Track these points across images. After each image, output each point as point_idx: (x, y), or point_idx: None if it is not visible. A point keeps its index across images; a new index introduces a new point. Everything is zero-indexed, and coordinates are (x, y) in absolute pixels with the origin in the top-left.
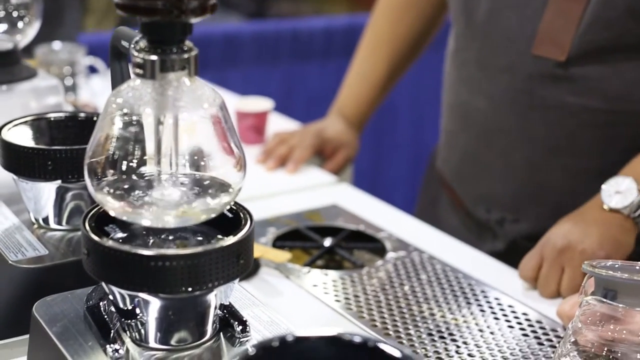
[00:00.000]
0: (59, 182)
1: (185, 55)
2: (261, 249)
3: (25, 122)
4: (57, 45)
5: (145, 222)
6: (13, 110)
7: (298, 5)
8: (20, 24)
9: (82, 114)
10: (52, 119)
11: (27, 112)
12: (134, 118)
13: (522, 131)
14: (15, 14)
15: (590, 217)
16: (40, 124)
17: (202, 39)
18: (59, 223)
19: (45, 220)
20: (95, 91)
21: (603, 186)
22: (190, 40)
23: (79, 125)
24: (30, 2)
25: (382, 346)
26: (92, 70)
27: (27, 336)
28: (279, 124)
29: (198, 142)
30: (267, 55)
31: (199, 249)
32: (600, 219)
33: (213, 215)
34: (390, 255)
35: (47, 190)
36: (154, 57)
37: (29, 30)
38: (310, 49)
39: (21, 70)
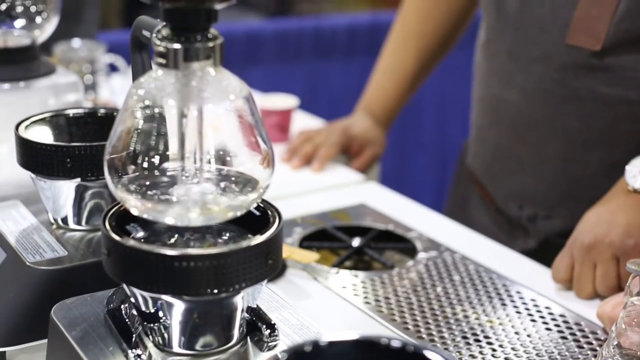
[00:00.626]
0: (78, 180)
1: (211, 44)
2: (288, 250)
3: (43, 119)
4: (76, 42)
5: (169, 221)
6: (31, 107)
7: (319, 4)
8: (38, 20)
9: (101, 110)
10: (70, 115)
11: (46, 109)
12: (156, 110)
13: (555, 124)
14: (33, 9)
15: (615, 205)
16: (58, 121)
17: (224, 37)
18: (79, 223)
19: (64, 220)
20: (116, 90)
21: (627, 167)
22: None
23: (99, 122)
24: None
25: (423, 352)
26: (113, 68)
27: (44, 341)
28: (303, 122)
29: (224, 135)
30: (289, 53)
31: (225, 248)
32: (625, 204)
33: (239, 213)
34: (421, 255)
35: (66, 189)
36: (177, 46)
37: (47, 26)
38: (333, 46)
39: (39, 67)
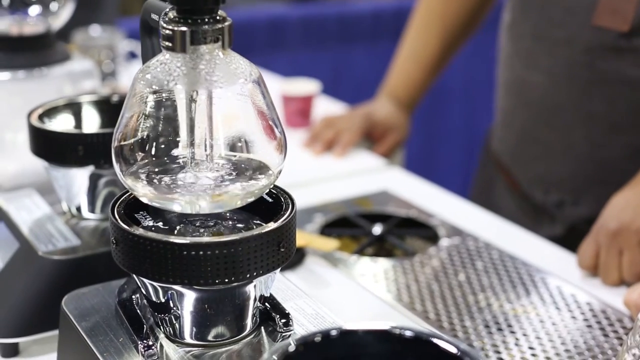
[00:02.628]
0: (91, 168)
1: (219, 26)
2: (307, 237)
3: (56, 107)
4: (95, 30)
5: (178, 208)
6: (47, 94)
7: None
8: (53, 7)
9: (115, 97)
10: (84, 102)
11: (62, 96)
12: (164, 95)
13: (582, 107)
14: None
15: None
16: (71, 108)
17: (247, 23)
18: (92, 211)
19: (78, 209)
20: None
21: None
22: (236, 24)
23: (112, 109)
24: None
25: (436, 341)
26: (132, 55)
27: (57, 332)
28: (326, 107)
29: (233, 120)
30: (313, 39)
31: (237, 236)
32: None
33: (251, 200)
34: (444, 242)
35: (79, 177)
36: (184, 28)
37: (63, 13)
38: (357, 32)
39: (55, 54)
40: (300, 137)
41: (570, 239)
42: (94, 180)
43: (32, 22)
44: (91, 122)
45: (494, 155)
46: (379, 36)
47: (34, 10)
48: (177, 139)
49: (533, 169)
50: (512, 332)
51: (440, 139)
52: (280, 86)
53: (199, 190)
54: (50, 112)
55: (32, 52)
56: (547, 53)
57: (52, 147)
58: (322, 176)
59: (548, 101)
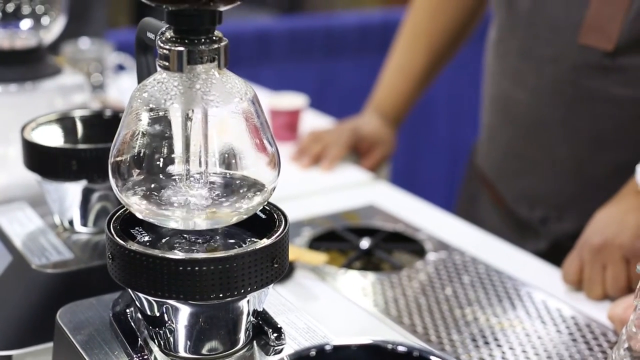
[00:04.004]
0: (84, 182)
1: (215, 46)
2: (296, 252)
3: (48, 121)
4: (84, 42)
5: (173, 225)
6: (38, 108)
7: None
8: (45, 21)
9: (107, 112)
10: (76, 116)
11: (53, 110)
12: (161, 114)
13: (566, 124)
14: (39, 10)
15: (625, 205)
16: (64, 122)
17: (234, 35)
18: (85, 225)
19: (71, 222)
20: (124, 89)
21: (638, 167)
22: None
23: (105, 124)
24: None
25: (429, 357)
26: (120, 67)
27: (51, 344)
28: (313, 121)
29: (229, 138)
30: (300, 51)
31: (231, 252)
32: (635, 205)
33: (245, 217)
34: (431, 256)
35: (72, 191)
36: (180, 48)
37: (54, 27)
38: (344, 45)
39: (46, 68)
40: (288, 151)
41: (554, 255)
42: (86, 194)
43: (23, 36)
44: (84, 137)
45: (479, 170)
46: (365, 49)
47: (26, 24)
48: (173, 157)
49: (518, 184)
50: (499, 346)
51: (425, 151)
52: (268, 100)
53: (194, 208)
54: (43, 126)
55: (24, 66)
56: (533, 70)
57: (45, 162)
58: (310, 190)
59: (533, 118)
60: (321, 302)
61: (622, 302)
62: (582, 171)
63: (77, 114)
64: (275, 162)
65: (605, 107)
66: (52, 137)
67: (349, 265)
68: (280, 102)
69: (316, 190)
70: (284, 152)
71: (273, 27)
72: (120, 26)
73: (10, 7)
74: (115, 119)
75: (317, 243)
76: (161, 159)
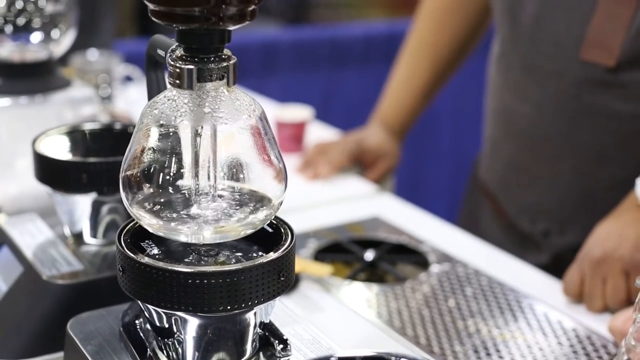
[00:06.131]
0: (94, 195)
1: (224, 64)
2: (301, 264)
3: (59, 133)
4: (92, 53)
5: (182, 238)
6: (48, 120)
7: (337, 10)
8: (55, 34)
9: (117, 125)
10: (86, 130)
11: (62, 122)
12: (171, 130)
13: (569, 138)
14: (50, 23)
15: (625, 219)
16: (74, 135)
17: (240, 46)
18: (94, 237)
19: (80, 234)
20: (131, 100)
21: (637, 181)
22: (228, 48)
23: (114, 137)
24: (65, 12)
25: None
26: (128, 79)
27: (61, 354)
28: (319, 132)
29: (237, 154)
30: (306, 62)
31: (239, 265)
32: (635, 219)
33: (252, 231)
34: (434, 268)
35: (81, 204)
36: (191, 67)
37: (64, 40)
38: (349, 55)
39: (56, 80)
40: (294, 163)
41: (556, 267)
42: (96, 206)
43: (33, 49)
44: (93, 150)
45: (481, 183)
46: (371, 60)
47: (36, 37)
48: (182, 172)
49: (520, 197)
50: (500, 357)
51: (429, 164)
52: (274, 112)
53: (203, 222)
54: (53, 139)
55: (34, 79)
56: (535, 85)
57: (56, 174)
58: (315, 201)
59: (535, 131)
60: (326, 313)
61: (622, 315)
62: (584, 185)
63: (87, 127)
64: (282, 177)
65: (606, 122)
66: (62, 149)
67: (353, 277)
68: (286, 114)
69: (321, 202)
70: (290, 163)
71: (279, 38)
72: (128, 36)
73: (21, 21)
74: (124, 132)
75: (323, 254)
76: (171, 174)
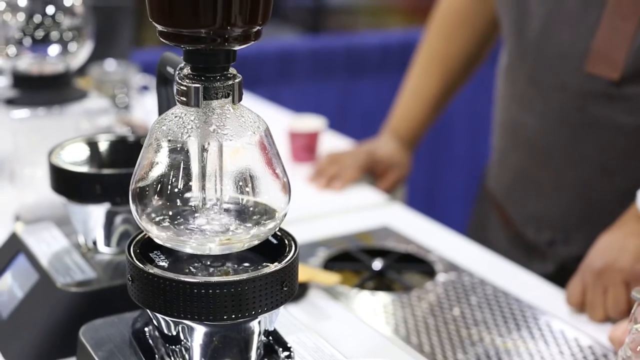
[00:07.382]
0: (107, 205)
1: (229, 82)
2: (309, 272)
3: (75, 145)
4: (110, 64)
5: (189, 250)
6: (65, 131)
7: (354, 17)
8: (72, 47)
9: (131, 137)
10: (101, 141)
11: (79, 133)
12: (178, 146)
13: (573, 150)
14: (67, 36)
15: (626, 230)
16: (89, 147)
17: (256, 55)
18: (108, 245)
19: (94, 242)
20: (148, 109)
21: (638, 193)
22: (245, 56)
23: (128, 148)
24: (82, 25)
25: None
26: (145, 88)
27: (73, 359)
28: (332, 142)
29: (242, 169)
30: (321, 71)
31: (243, 276)
32: (636, 230)
33: (257, 242)
34: (441, 277)
35: (95, 214)
36: (197, 85)
37: (82, 53)
38: (365, 64)
39: (73, 92)
40: (306, 172)
41: (560, 277)
42: (109, 216)
43: (51, 61)
44: (108, 161)
45: (489, 192)
46: (387, 69)
47: (54, 50)
48: (190, 186)
49: (526, 207)
50: None
51: (443, 172)
52: (287, 122)
53: (209, 234)
54: (68, 150)
55: (51, 91)
56: (541, 97)
57: (71, 185)
58: (326, 211)
59: (541, 143)
60: (333, 321)
61: (622, 325)
62: (588, 196)
63: (102, 138)
64: (287, 190)
65: (610, 135)
66: (77, 161)
67: (361, 286)
68: (300, 124)
69: (332, 211)
70: (302, 173)
71: (295, 47)
72: (149, 45)
73: (39, 34)
74: (137, 144)
75: (332, 263)
76: (178, 188)
